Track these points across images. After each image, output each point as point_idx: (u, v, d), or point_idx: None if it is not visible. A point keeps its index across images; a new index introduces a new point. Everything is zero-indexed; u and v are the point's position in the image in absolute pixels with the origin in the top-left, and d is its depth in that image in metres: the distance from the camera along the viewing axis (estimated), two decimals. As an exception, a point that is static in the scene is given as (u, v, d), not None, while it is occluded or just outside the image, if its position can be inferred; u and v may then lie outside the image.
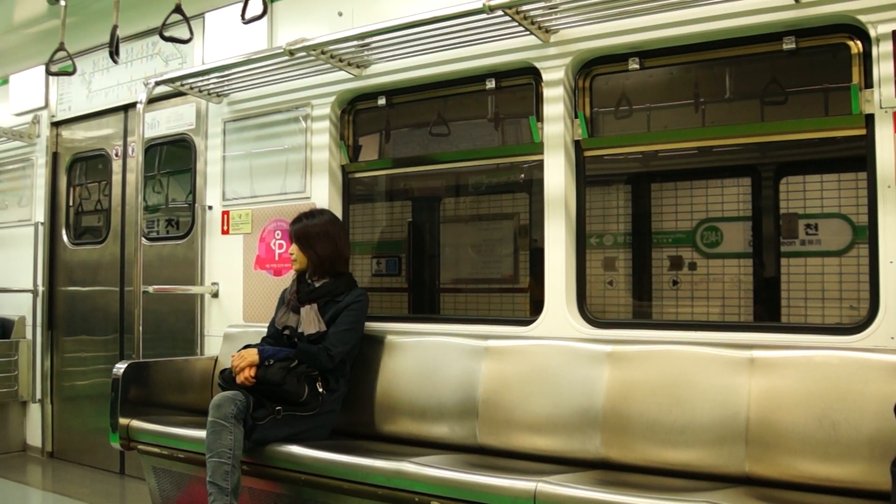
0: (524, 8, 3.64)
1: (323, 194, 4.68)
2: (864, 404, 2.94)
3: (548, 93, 3.93)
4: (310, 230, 4.19)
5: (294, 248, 4.21)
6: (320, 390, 3.91)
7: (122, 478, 5.70)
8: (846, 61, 3.29)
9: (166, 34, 4.39)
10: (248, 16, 3.98)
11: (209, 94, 5.10)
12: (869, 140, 3.19)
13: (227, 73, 4.76)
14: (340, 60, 4.41)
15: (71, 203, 6.40)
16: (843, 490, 2.93)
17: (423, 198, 5.62)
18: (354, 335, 4.08)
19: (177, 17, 4.33)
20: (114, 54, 4.65)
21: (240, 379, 3.84)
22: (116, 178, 5.99)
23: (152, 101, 5.11)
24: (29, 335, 6.42)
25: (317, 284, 4.16)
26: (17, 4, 5.76)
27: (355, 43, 4.21)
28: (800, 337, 3.30)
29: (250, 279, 4.99)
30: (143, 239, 4.92)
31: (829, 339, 3.22)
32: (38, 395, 6.34)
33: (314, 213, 4.32)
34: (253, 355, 3.89)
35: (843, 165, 4.04)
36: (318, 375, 3.93)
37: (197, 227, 5.31)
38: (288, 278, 4.59)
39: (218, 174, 5.21)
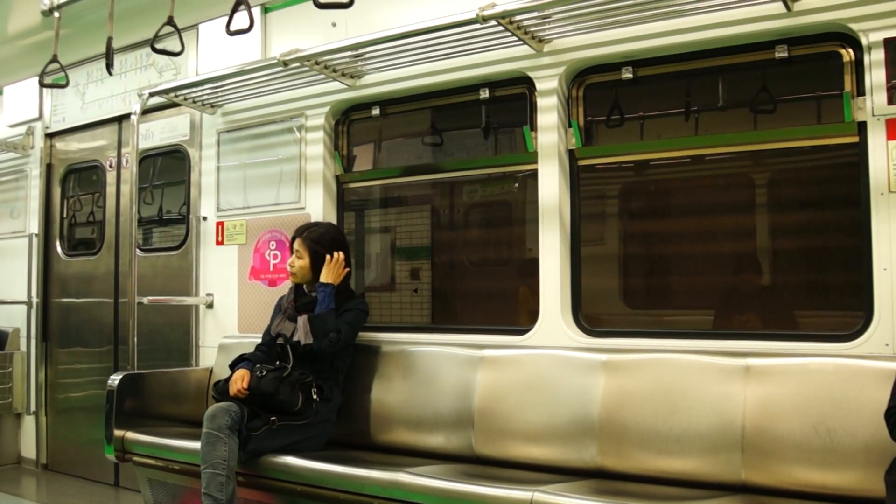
0: (518, 18, 3.65)
1: (318, 205, 4.68)
2: (860, 411, 2.94)
3: (541, 102, 3.94)
4: (322, 242, 4.17)
5: (299, 262, 4.16)
6: (314, 398, 3.91)
7: (116, 490, 5.67)
8: (838, 69, 3.30)
9: (158, 46, 4.39)
10: (233, 28, 3.97)
11: (203, 105, 5.11)
12: (862, 147, 3.20)
13: (221, 84, 4.76)
14: (334, 71, 4.42)
15: (65, 214, 6.39)
16: (839, 497, 2.93)
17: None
18: (354, 333, 4.09)
19: (169, 29, 4.33)
20: (110, 66, 4.65)
21: (232, 391, 3.84)
22: (111, 189, 5.98)
23: (146, 112, 5.12)
24: (23, 347, 6.40)
25: (314, 295, 4.16)
26: (11, 16, 5.76)
27: (349, 53, 4.22)
28: (795, 344, 3.30)
29: (245, 290, 4.99)
30: (137, 250, 4.91)
31: (823, 346, 3.23)
32: (33, 408, 6.31)
33: (323, 225, 4.35)
34: (241, 373, 3.90)
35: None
36: (312, 382, 3.93)
37: (191, 238, 5.31)
38: (283, 288, 4.59)
39: (212, 185, 5.21)
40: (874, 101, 3.14)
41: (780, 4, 3.26)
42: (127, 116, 5.49)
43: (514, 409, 3.71)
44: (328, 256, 4.11)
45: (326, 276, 4.10)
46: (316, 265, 4.15)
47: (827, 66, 3.40)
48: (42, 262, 6.36)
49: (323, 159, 4.70)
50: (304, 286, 4.20)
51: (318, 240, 4.18)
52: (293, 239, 4.24)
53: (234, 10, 3.90)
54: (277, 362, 3.99)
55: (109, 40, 4.60)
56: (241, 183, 5.05)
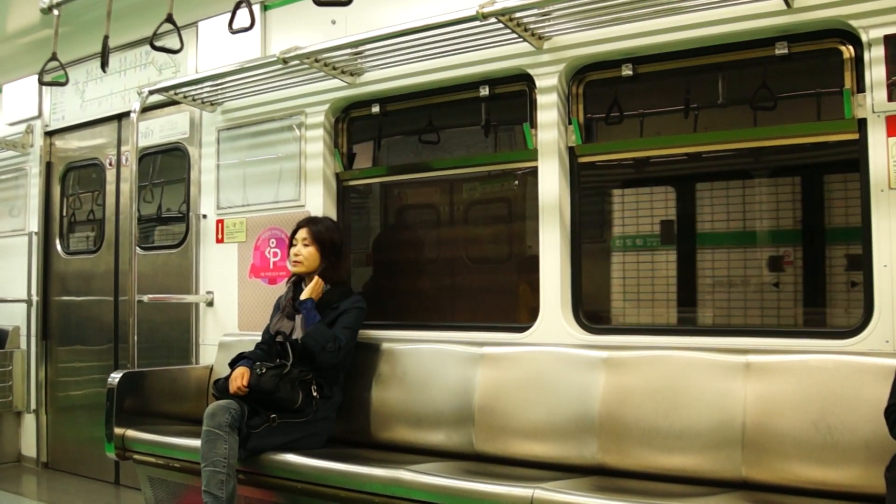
0: (517, 15, 3.65)
1: (317, 202, 4.68)
2: (860, 408, 2.95)
3: (541, 99, 3.94)
4: (332, 235, 4.23)
5: (307, 250, 4.17)
6: (314, 395, 3.91)
7: (117, 488, 5.67)
8: (838, 66, 3.30)
9: (157, 44, 4.38)
10: (236, 26, 3.97)
11: (203, 102, 5.10)
12: (862, 144, 3.20)
13: (220, 81, 4.76)
14: (334, 68, 4.41)
15: (65, 212, 6.39)
16: (840, 494, 2.94)
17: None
18: (353, 335, 4.09)
19: (168, 26, 4.33)
20: (105, 65, 4.65)
21: (232, 389, 3.84)
22: (110, 187, 5.97)
23: (146, 109, 5.11)
24: (23, 345, 6.39)
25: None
26: (11, 14, 5.75)
27: (349, 51, 4.22)
28: (795, 341, 3.30)
29: (245, 288, 4.99)
30: (137, 248, 4.91)
31: (824, 343, 3.23)
32: (33, 406, 6.31)
33: (328, 219, 4.39)
34: (241, 370, 3.90)
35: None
36: (312, 379, 3.93)
37: (191, 236, 5.30)
38: (283, 286, 4.58)
39: (212, 183, 5.20)
40: (874, 98, 3.14)
41: (781, 1, 3.26)
42: (126, 114, 5.47)
43: (515, 406, 3.72)
44: (315, 277, 4.12)
45: (306, 294, 4.10)
46: (325, 253, 4.17)
47: (827, 62, 3.39)
48: (42, 260, 6.36)
49: (323, 157, 4.70)
50: (303, 283, 4.20)
51: (325, 230, 4.22)
52: (295, 231, 4.23)
53: (237, 7, 3.90)
54: (277, 360, 3.99)
55: (105, 38, 4.60)
56: (241, 181, 5.05)
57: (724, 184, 4.36)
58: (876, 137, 3.14)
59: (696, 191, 4.47)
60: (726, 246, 4.40)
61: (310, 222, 4.26)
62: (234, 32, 4.00)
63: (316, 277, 4.14)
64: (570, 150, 3.92)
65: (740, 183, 4.33)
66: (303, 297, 4.10)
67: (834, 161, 3.86)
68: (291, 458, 3.69)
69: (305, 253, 4.17)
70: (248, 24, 3.92)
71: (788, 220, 4.24)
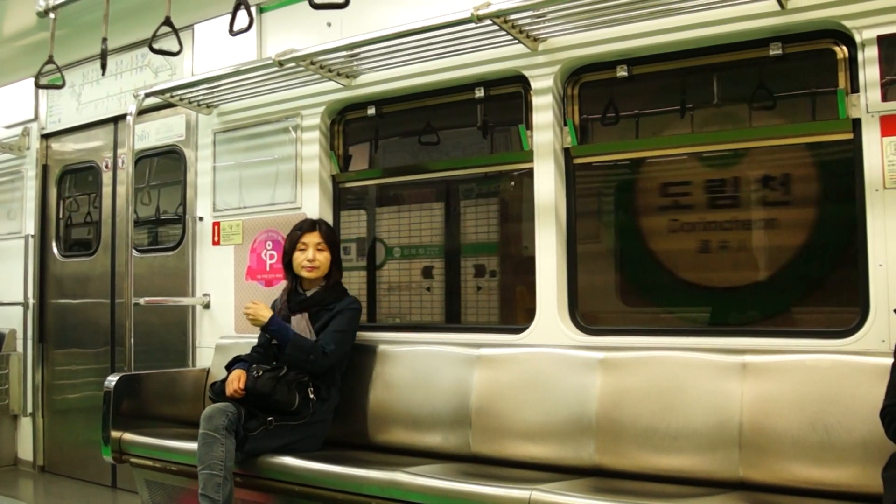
0: (512, 17, 3.66)
1: (313, 204, 4.68)
2: (857, 407, 2.95)
3: (537, 101, 3.94)
4: (336, 237, 4.35)
5: (323, 255, 4.17)
6: (311, 397, 3.90)
7: (114, 491, 5.67)
8: (832, 66, 3.31)
9: (156, 46, 4.38)
10: (235, 28, 3.98)
11: (199, 105, 5.10)
12: (856, 144, 3.21)
13: (216, 84, 4.76)
14: (330, 71, 4.42)
15: (61, 215, 6.38)
16: (837, 494, 2.94)
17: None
18: (348, 338, 4.09)
19: (166, 29, 4.32)
20: (104, 67, 4.64)
21: (229, 392, 3.84)
22: (107, 189, 5.97)
23: (142, 112, 5.11)
24: (20, 348, 6.39)
25: (308, 294, 4.16)
26: (6, 16, 5.75)
27: (344, 53, 4.22)
28: (791, 341, 3.31)
29: (242, 290, 4.98)
30: (133, 251, 4.90)
31: (820, 342, 3.23)
32: (30, 409, 6.30)
33: (324, 220, 4.44)
34: (237, 373, 3.90)
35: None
36: (309, 382, 3.92)
37: (188, 239, 5.30)
38: (280, 288, 4.58)
39: (208, 185, 5.20)
40: (868, 98, 3.15)
41: (774, 2, 3.26)
42: (123, 117, 5.49)
43: (512, 407, 3.72)
44: (252, 304, 4.10)
45: (265, 318, 4.02)
46: (334, 255, 4.23)
47: (821, 63, 3.40)
48: (38, 263, 6.36)
49: (319, 159, 4.70)
50: (301, 284, 4.20)
51: (332, 232, 4.31)
52: (303, 233, 4.20)
53: (236, 9, 3.90)
54: (273, 362, 3.98)
55: (104, 41, 4.60)
56: (237, 183, 5.05)
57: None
58: (870, 137, 3.14)
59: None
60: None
61: (318, 225, 4.26)
62: (234, 34, 4.00)
63: (259, 303, 4.12)
64: (566, 151, 3.92)
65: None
66: (262, 321, 4.01)
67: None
68: (289, 460, 3.69)
69: (322, 258, 4.18)
70: (245, 24, 3.92)
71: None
